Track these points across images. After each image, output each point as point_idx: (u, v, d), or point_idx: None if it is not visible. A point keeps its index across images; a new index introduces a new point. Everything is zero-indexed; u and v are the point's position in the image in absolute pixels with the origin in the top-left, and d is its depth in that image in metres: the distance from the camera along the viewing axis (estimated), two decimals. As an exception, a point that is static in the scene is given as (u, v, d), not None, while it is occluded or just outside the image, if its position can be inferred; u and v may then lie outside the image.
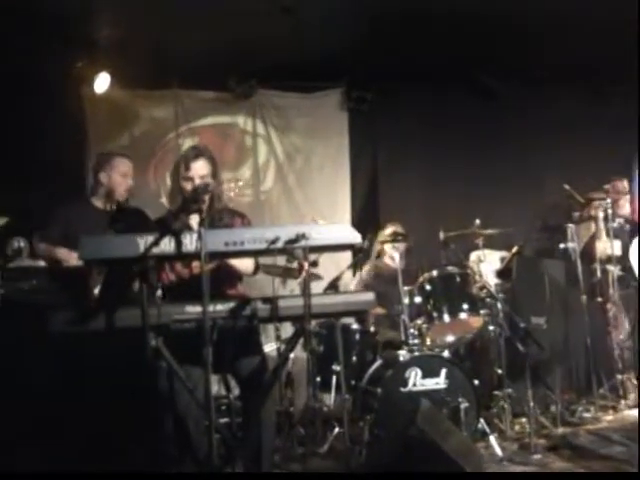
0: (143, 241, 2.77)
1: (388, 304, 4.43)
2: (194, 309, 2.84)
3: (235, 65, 5.23)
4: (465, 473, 2.82)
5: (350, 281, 4.83)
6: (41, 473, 2.85)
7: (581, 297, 4.61)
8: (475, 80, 5.61)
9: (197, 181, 3.16)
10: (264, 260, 3.45)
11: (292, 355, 4.11)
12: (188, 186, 3.18)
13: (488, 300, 4.27)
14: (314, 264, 2.89)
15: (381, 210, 5.75)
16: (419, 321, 4.21)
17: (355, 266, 4.91)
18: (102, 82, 5.06)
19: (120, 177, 3.80)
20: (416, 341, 4.11)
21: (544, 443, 3.89)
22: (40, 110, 4.92)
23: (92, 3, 4.28)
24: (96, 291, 3.50)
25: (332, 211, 5.47)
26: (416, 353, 3.98)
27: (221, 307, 2.87)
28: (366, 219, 5.57)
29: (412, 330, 4.15)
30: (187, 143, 5.34)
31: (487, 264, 4.59)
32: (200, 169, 3.19)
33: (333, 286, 4.51)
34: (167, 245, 2.80)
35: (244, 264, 3.20)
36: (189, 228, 3.17)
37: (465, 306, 4.15)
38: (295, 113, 5.70)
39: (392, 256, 4.78)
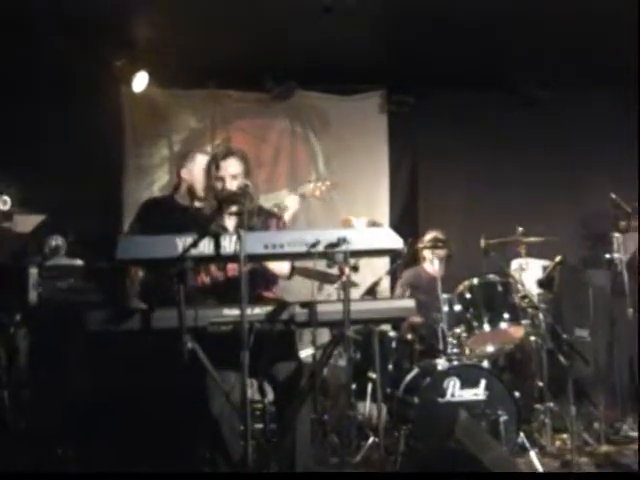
0: (182, 242, 2.79)
1: (426, 312, 4.41)
2: (231, 312, 2.84)
3: (274, 66, 5.26)
4: (466, 473, 2.79)
5: (388, 287, 4.83)
6: (45, 473, 2.89)
7: (627, 310, 4.52)
8: (517, 86, 5.55)
9: (228, 181, 3.18)
10: (299, 263, 3.47)
11: (328, 362, 4.10)
12: (219, 186, 3.20)
13: (530, 310, 4.22)
14: (355, 269, 2.87)
15: (420, 215, 5.72)
16: (458, 330, 4.18)
17: (394, 272, 4.91)
18: (140, 81, 5.14)
19: (201, 173, 3.82)
20: (455, 350, 4.09)
21: (586, 461, 3.81)
22: (79, 108, 5.03)
23: (130, 3, 4.35)
24: (134, 291, 3.53)
25: (370, 215, 5.41)
26: (455, 362, 3.95)
27: (259, 310, 2.87)
28: (405, 224, 5.54)
29: (451, 339, 4.13)
30: (222, 144, 5.41)
31: (529, 273, 4.53)
32: (231, 168, 3.20)
33: (371, 292, 4.50)
34: (206, 247, 2.82)
35: (280, 267, 3.22)
36: (225, 229, 3.19)
37: (506, 316, 4.11)
38: (334, 115, 5.70)
39: (432, 262, 4.77)
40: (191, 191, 3.81)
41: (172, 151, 5.61)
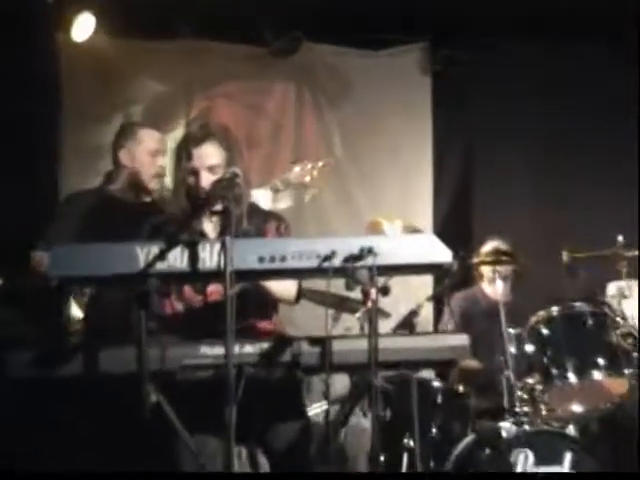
0: (144, 253, 2.79)
1: (486, 353, 4.40)
2: (212, 351, 2.84)
3: (273, 9, 5.28)
4: (468, 473, 2.83)
5: (431, 318, 4.83)
6: (42, 473, 2.95)
7: None
8: (616, 36, 5.53)
9: (203, 175, 3.18)
10: (308, 283, 3.47)
11: (347, 422, 4.11)
12: (191, 181, 3.20)
13: (636, 355, 4.18)
14: (384, 291, 2.87)
15: (476, 218, 5.76)
16: (531, 380, 4.16)
17: (439, 296, 4.91)
18: (84, 26, 5.13)
19: (147, 155, 3.91)
20: (526, 410, 4.06)
21: None
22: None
23: None
24: (75, 321, 3.55)
25: (406, 217, 5.44)
26: (526, 428, 3.94)
27: (251, 349, 2.88)
28: (454, 230, 5.56)
29: (520, 393, 4.11)
30: (194, 121, 5.44)
31: (634, 301, 4.50)
32: (207, 157, 3.20)
33: (407, 324, 4.50)
34: (177, 260, 2.82)
35: (282, 288, 3.22)
36: (203, 236, 3.20)
37: (601, 362, 4.08)
38: (357, 77, 5.74)
39: (493, 283, 4.75)
40: (134, 181, 3.86)
41: (131, 122, 5.62)
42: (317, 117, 5.76)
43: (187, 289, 3.22)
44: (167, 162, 3.91)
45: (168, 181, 3.78)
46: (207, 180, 3.17)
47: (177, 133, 5.40)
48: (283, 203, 4.30)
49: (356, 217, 5.56)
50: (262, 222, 3.30)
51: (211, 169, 3.19)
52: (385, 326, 4.42)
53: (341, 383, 3.99)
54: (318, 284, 3.42)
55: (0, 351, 2.83)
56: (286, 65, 5.65)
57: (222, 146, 3.23)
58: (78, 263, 2.80)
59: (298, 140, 5.76)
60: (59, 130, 5.27)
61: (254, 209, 3.33)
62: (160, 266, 2.78)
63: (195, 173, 3.20)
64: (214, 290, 3.17)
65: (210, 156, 3.21)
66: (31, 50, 5.05)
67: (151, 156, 3.90)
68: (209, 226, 3.27)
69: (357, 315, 4.25)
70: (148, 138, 3.94)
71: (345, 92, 5.75)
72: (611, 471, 3.95)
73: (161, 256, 2.77)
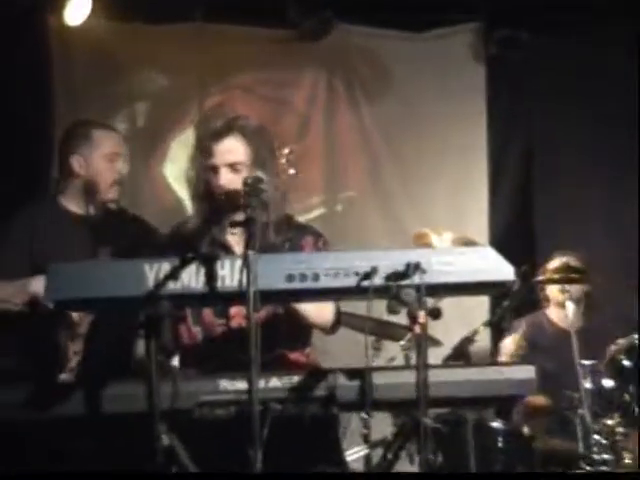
0: (153, 271, 2.83)
1: (555, 388, 4.40)
2: (233, 386, 2.88)
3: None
4: (469, 473, 2.86)
5: (488, 346, 4.81)
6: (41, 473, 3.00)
7: None
8: None
9: (224, 174, 3.26)
10: (346, 307, 3.50)
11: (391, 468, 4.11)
12: (213, 180, 3.28)
13: None
14: (435, 314, 2.88)
15: (539, 230, 5.76)
16: (610, 421, 4.16)
17: (499, 321, 4.89)
18: (79, 9, 5.14)
19: (105, 161, 3.91)
20: (605, 457, 4.06)
21: None
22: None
23: None
24: (74, 354, 3.58)
25: (458, 228, 5.45)
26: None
27: (278, 383, 2.91)
28: (515, 243, 5.53)
29: (598, 437, 4.10)
30: (217, 113, 5.48)
31: None
32: (229, 153, 3.28)
33: (461, 354, 4.50)
34: (193, 279, 2.86)
35: (318, 312, 3.26)
36: (226, 251, 3.25)
37: (693, 398, 4.08)
38: (399, 65, 5.76)
39: (562, 307, 4.74)
40: (89, 191, 3.88)
41: (134, 127, 5.72)
42: (352, 111, 5.80)
43: (206, 313, 3.29)
44: (125, 166, 3.95)
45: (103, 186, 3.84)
46: (227, 178, 3.25)
47: (186, 135, 5.50)
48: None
49: (399, 227, 5.59)
50: (298, 237, 3.36)
51: (233, 167, 3.26)
52: (435, 356, 4.42)
53: (384, 423, 4.01)
54: (356, 307, 3.46)
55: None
56: (315, 51, 5.70)
57: (248, 142, 3.30)
58: (77, 284, 2.84)
59: (329, 138, 5.82)
60: (52, 131, 5.29)
61: (289, 221, 3.39)
62: (173, 286, 2.82)
63: (214, 170, 3.28)
64: (237, 314, 3.23)
65: (232, 152, 3.28)
66: (17, 35, 5.12)
67: (108, 161, 3.90)
68: (232, 239, 3.33)
69: (402, 343, 4.27)
70: (105, 141, 3.93)
71: (384, 82, 5.78)
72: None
73: (174, 274, 2.82)
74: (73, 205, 3.91)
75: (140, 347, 3.23)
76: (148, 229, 4.02)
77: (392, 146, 5.81)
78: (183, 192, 5.31)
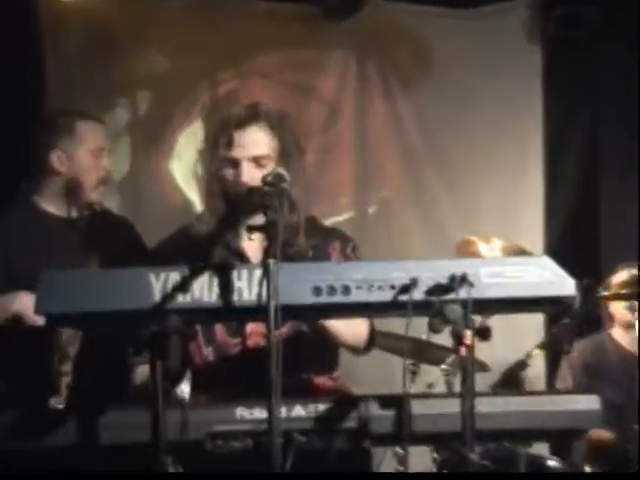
0: (160, 281, 2.85)
1: (620, 421, 4.42)
2: (251, 414, 2.89)
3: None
4: (469, 473, 2.87)
5: (543, 372, 4.78)
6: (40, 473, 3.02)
7: None
8: None
9: (246, 168, 3.27)
10: (380, 324, 3.52)
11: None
12: (229, 176, 3.31)
13: None
14: (484, 334, 2.88)
15: (604, 238, 5.80)
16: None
17: (555, 343, 4.88)
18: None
19: (90, 157, 3.96)
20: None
21: None
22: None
23: None
24: (65, 376, 3.61)
25: (509, 236, 5.45)
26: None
27: (302, 412, 2.91)
28: (574, 254, 5.51)
29: (672, 477, 4.09)
30: (232, 101, 5.53)
31: None
32: (254, 145, 3.30)
33: (512, 380, 4.50)
34: (204, 291, 2.86)
35: (350, 331, 3.27)
36: (242, 259, 3.28)
37: None
38: (441, 47, 5.78)
39: (629, 328, 4.77)
40: (71, 192, 3.91)
41: (136, 117, 5.78)
42: (386, 99, 5.83)
43: (219, 330, 3.32)
44: (110, 163, 4.01)
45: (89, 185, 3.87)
46: (250, 175, 3.26)
47: (195, 127, 5.53)
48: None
49: (441, 233, 5.63)
50: (324, 242, 3.39)
51: (256, 161, 3.28)
52: (482, 382, 4.43)
53: (423, 459, 4.01)
54: (391, 325, 3.48)
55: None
56: (344, 30, 5.72)
57: (274, 133, 3.33)
58: (73, 295, 2.84)
59: (361, 131, 5.85)
60: (43, 102, 5.37)
61: (313, 224, 3.41)
62: (182, 299, 2.82)
63: (234, 164, 3.29)
64: (254, 332, 3.27)
65: (257, 144, 3.30)
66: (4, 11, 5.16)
67: (93, 157, 3.95)
68: (249, 246, 3.35)
69: (443, 367, 4.29)
70: (90, 134, 3.97)
71: (424, 67, 5.81)
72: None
73: (183, 286, 2.82)
74: (52, 207, 3.95)
75: (143, 369, 3.27)
76: (137, 235, 4.06)
77: (432, 140, 5.85)
78: (192, 192, 5.37)
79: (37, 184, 4.00)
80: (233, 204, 3.33)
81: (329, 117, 5.84)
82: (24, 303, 3.60)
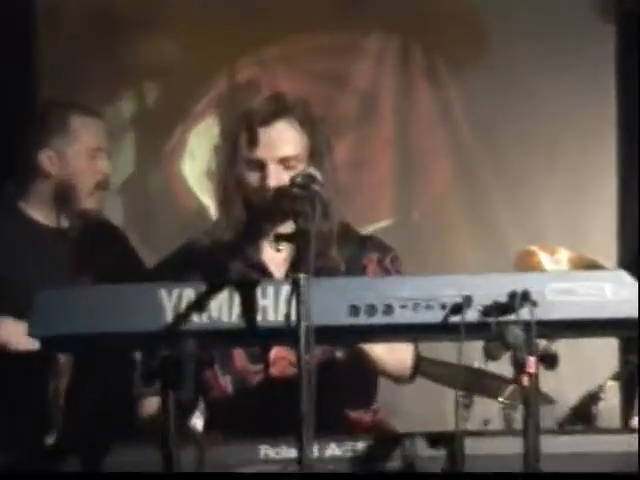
0: (172, 299, 2.85)
1: None
2: (277, 454, 2.89)
3: None
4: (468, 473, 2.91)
5: (617, 405, 4.75)
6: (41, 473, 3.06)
7: None
8: None
9: (273, 170, 3.27)
10: (427, 350, 3.53)
11: None
12: (254, 180, 3.30)
13: None
14: (550, 362, 2.87)
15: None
16: None
17: (632, 373, 4.85)
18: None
19: (85, 158, 3.98)
20: None
21: None
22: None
23: None
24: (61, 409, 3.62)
25: (576, 246, 5.45)
26: None
27: (337, 451, 2.91)
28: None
29: None
30: (252, 91, 5.53)
31: None
32: (281, 143, 3.31)
33: (581, 416, 4.48)
34: (222, 310, 2.87)
35: (393, 357, 3.27)
36: (263, 273, 3.29)
37: None
38: (499, 27, 5.76)
39: None
40: (63, 197, 3.93)
41: (142, 109, 5.82)
42: (434, 88, 5.85)
43: (238, 356, 3.31)
44: (108, 165, 4.03)
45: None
46: (278, 178, 3.25)
47: (207, 123, 5.54)
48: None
49: (497, 243, 5.63)
50: (357, 252, 3.39)
51: (284, 162, 3.27)
52: (547, 418, 4.41)
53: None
54: (441, 350, 3.46)
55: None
56: (384, 10, 5.74)
57: (304, 129, 3.33)
58: (73, 316, 2.85)
59: (402, 123, 5.86)
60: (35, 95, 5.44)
61: (346, 232, 3.41)
62: (198, 320, 2.82)
63: (261, 167, 3.29)
64: (279, 358, 3.27)
65: (286, 142, 3.30)
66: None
67: (89, 158, 3.97)
68: (271, 259, 3.35)
69: (501, 400, 4.30)
70: (86, 131, 4.00)
71: (478, 50, 5.79)
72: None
73: (199, 304, 2.82)
74: (40, 215, 3.98)
75: (151, 400, 3.27)
76: (134, 251, 4.07)
77: (487, 135, 5.84)
78: (206, 196, 5.37)
79: (24, 188, 4.03)
80: (255, 211, 3.33)
81: (364, 108, 5.86)
82: (9, 330, 3.62)
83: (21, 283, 3.49)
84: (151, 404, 3.30)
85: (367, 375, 3.32)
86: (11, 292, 3.63)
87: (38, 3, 5.45)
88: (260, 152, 3.29)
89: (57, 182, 3.94)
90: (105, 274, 3.80)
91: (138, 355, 3.19)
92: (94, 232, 3.99)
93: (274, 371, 3.29)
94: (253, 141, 3.29)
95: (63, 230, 3.95)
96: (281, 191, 3.19)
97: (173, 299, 2.84)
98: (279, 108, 3.33)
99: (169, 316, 2.82)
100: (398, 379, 3.38)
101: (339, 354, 3.25)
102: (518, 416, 4.25)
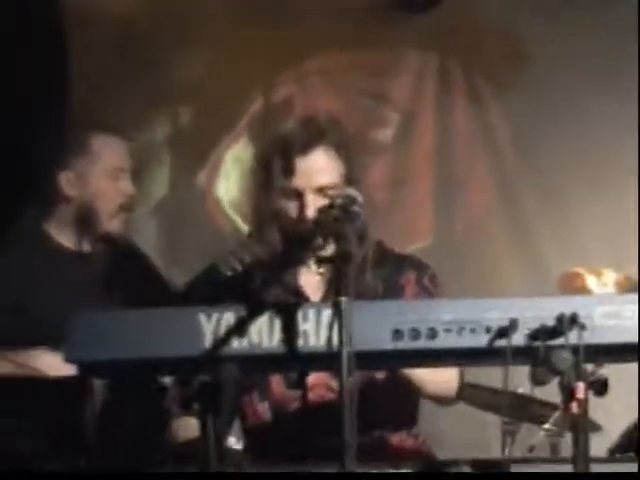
0: (212, 323, 2.84)
1: None
2: (318, 481, 2.87)
3: None
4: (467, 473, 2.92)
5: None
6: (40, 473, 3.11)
7: None
8: None
9: (310, 198, 3.28)
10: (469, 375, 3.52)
11: None
12: (290, 209, 3.32)
13: None
14: (600, 388, 2.84)
15: None
16: None
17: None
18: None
19: (106, 179, 3.99)
20: None
21: None
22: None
23: None
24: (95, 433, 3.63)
25: (622, 268, 5.41)
26: None
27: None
28: None
29: None
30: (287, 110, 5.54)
31: None
32: (318, 172, 3.32)
33: (630, 444, 4.43)
34: (262, 334, 2.86)
35: (438, 380, 3.26)
36: (301, 297, 3.30)
37: None
38: (542, 42, 5.72)
39: None
40: (85, 219, 3.93)
41: (176, 130, 5.85)
42: (474, 105, 5.84)
43: (275, 382, 3.31)
44: (131, 186, 4.01)
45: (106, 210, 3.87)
46: (316, 207, 3.20)
47: (241, 144, 5.55)
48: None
49: (540, 265, 5.61)
50: (395, 272, 3.39)
51: (322, 192, 3.27)
52: (594, 446, 4.37)
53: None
54: (484, 375, 3.44)
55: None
56: (423, 24, 5.75)
57: (340, 156, 3.33)
58: (109, 341, 2.85)
59: (442, 142, 5.86)
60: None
61: (381, 251, 3.41)
62: (238, 344, 2.82)
63: (298, 196, 3.29)
64: (317, 383, 3.27)
65: (323, 171, 3.31)
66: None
67: (112, 179, 3.98)
68: (309, 282, 3.38)
69: (547, 426, 4.26)
70: (108, 151, 4.00)
71: (520, 67, 5.79)
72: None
73: (239, 328, 2.81)
74: (64, 237, 3.99)
75: (186, 423, 3.29)
76: (159, 274, 4.07)
77: (529, 156, 5.83)
78: (241, 219, 5.37)
79: (47, 211, 4.04)
80: (291, 237, 3.31)
81: (403, 126, 5.86)
82: (45, 361, 3.62)
83: (47, 308, 3.49)
84: (188, 427, 3.31)
85: (408, 397, 3.32)
86: (42, 320, 3.64)
87: (69, 27, 5.46)
88: (297, 182, 3.30)
89: (78, 205, 3.95)
90: (129, 298, 3.80)
91: (173, 380, 3.21)
92: (117, 255, 3.99)
93: (312, 396, 3.28)
94: (290, 170, 3.31)
95: (86, 254, 3.95)
96: (321, 213, 3.18)
97: (212, 323, 2.84)
98: (314, 134, 3.34)
99: (208, 341, 2.82)
100: (442, 401, 3.38)
101: (379, 376, 3.25)
102: (564, 443, 4.25)
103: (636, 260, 5.54)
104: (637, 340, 2.82)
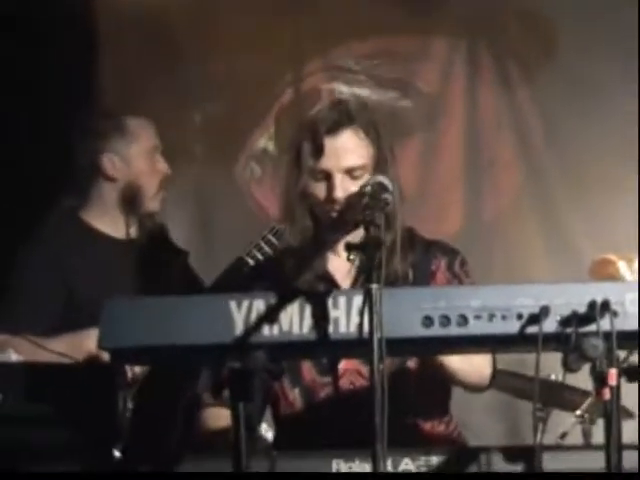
0: (242, 311, 2.85)
1: None
2: (349, 468, 2.88)
3: None
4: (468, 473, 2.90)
5: None
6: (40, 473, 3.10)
7: None
8: None
9: (339, 182, 3.27)
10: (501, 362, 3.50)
11: None
12: (320, 192, 3.30)
13: None
14: (632, 374, 2.83)
15: None
16: None
17: None
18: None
19: (146, 157, 4.05)
20: None
21: None
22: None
23: None
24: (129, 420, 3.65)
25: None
26: None
27: (411, 466, 2.89)
28: None
29: None
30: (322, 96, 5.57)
31: None
32: (347, 153, 3.30)
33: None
34: (293, 322, 2.86)
35: (471, 367, 3.25)
36: (331, 284, 3.28)
37: None
38: (572, 29, 5.68)
39: None
40: (129, 201, 3.98)
41: (208, 119, 5.89)
42: (503, 92, 5.82)
43: (306, 368, 3.31)
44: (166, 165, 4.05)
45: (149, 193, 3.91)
46: (344, 189, 3.26)
47: (271, 133, 5.57)
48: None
49: (570, 251, 5.59)
50: (424, 258, 3.38)
51: (351, 172, 3.27)
52: (626, 433, 4.36)
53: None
54: (515, 362, 3.44)
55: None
56: (450, 13, 5.74)
57: (369, 138, 3.32)
58: (142, 327, 2.86)
59: (471, 127, 5.85)
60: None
61: (411, 237, 3.40)
62: (269, 332, 2.82)
63: (327, 177, 3.29)
64: (348, 370, 3.27)
65: (351, 152, 3.29)
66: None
67: (149, 157, 4.04)
68: (337, 269, 3.36)
69: (579, 413, 4.25)
70: (143, 131, 4.07)
71: (549, 50, 5.76)
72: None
73: (270, 315, 2.81)
74: (104, 224, 4.04)
75: (217, 412, 3.31)
76: (189, 265, 4.11)
77: (559, 141, 5.80)
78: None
79: (84, 198, 4.08)
80: (321, 221, 3.33)
81: (431, 111, 5.84)
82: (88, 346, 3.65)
83: (97, 294, 3.50)
84: (218, 416, 3.33)
85: (440, 384, 3.31)
86: (89, 304, 3.65)
87: (100, 20, 5.49)
88: (326, 162, 3.29)
89: (123, 185, 4.00)
90: (163, 286, 3.82)
91: (205, 367, 3.22)
92: (159, 241, 4.02)
93: (343, 383, 3.29)
94: (318, 151, 3.29)
95: (127, 240, 3.99)
96: (351, 200, 3.19)
97: (243, 311, 2.83)
98: (343, 116, 3.33)
99: (239, 328, 2.82)
100: (474, 388, 3.37)
101: (410, 363, 3.25)
102: (596, 430, 4.24)
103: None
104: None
